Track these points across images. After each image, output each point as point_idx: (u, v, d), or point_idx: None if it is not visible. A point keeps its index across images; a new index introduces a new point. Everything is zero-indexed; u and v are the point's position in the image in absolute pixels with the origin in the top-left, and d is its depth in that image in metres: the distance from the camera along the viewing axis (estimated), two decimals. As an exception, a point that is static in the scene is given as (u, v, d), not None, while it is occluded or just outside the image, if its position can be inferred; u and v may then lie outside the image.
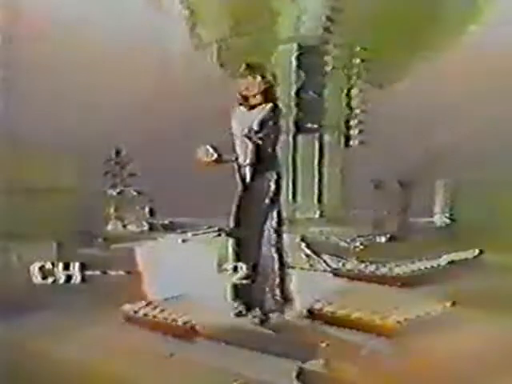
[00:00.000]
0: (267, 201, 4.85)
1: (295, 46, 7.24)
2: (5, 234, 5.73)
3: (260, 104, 4.87)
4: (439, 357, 4.25)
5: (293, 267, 5.12)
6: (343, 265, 5.92)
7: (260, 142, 4.79)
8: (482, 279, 5.53)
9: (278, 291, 4.87)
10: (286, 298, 4.90)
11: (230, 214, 4.98)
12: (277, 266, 4.89)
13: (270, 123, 4.83)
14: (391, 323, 4.66)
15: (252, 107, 4.88)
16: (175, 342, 4.55)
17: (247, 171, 4.85)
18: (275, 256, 4.88)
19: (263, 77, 4.89)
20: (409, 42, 7.03)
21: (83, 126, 6.34)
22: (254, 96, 4.88)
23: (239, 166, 4.88)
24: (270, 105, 4.87)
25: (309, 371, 4.08)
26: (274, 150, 4.90)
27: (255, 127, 4.80)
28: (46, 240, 5.86)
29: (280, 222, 4.93)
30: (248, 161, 4.83)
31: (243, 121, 4.87)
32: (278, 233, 4.90)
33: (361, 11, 7.00)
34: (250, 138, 4.81)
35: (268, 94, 4.89)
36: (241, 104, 4.91)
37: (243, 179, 4.88)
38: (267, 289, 4.86)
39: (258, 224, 4.86)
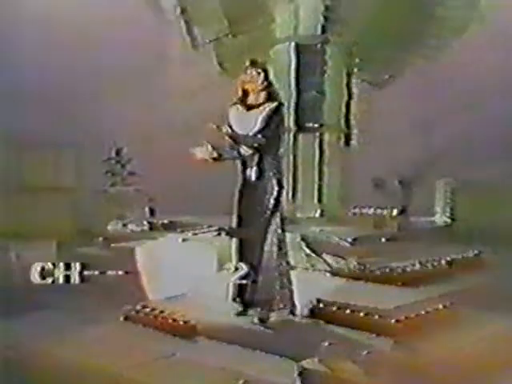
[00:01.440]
0: (272, 201, 4.84)
1: (294, 45, 7.24)
2: (4, 234, 5.73)
3: (262, 104, 4.84)
4: (439, 355, 4.25)
5: (294, 267, 5.12)
6: (343, 264, 5.91)
7: (263, 141, 4.78)
8: (482, 278, 5.53)
9: (283, 291, 4.86)
10: (291, 298, 4.89)
11: (230, 214, 4.97)
12: (281, 266, 4.88)
13: (275, 122, 4.81)
14: (391, 322, 4.66)
15: (250, 107, 4.86)
16: (176, 341, 4.54)
17: (253, 172, 4.83)
18: (279, 256, 4.87)
19: (266, 75, 4.88)
20: (407, 41, 7.03)
21: (83, 126, 6.34)
22: (258, 93, 4.85)
23: (244, 166, 4.87)
24: (274, 104, 4.85)
25: (309, 370, 4.07)
26: (277, 150, 4.88)
27: (259, 125, 4.78)
28: (46, 239, 5.86)
29: (282, 223, 4.92)
30: (253, 162, 4.82)
31: (243, 121, 4.84)
32: (281, 233, 4.89)
33: (359, 10, 7.00)
34: (253, 139, 4.79)
35: (270, 93, 4.88)
36: (236, 103, 4.89)
37: (246, 179, 4.86)
38: (272, 288, 4.85)
39: (262, 225, 4.84)
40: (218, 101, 5.18)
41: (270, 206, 4.83)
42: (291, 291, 4.90)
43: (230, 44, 7.17)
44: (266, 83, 4.84)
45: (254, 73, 4.84)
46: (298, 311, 4.85)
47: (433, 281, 5.53)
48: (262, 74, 4.84)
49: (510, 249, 5.64)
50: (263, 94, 4.84)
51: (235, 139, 4.76)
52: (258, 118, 4.78)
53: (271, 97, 4.86)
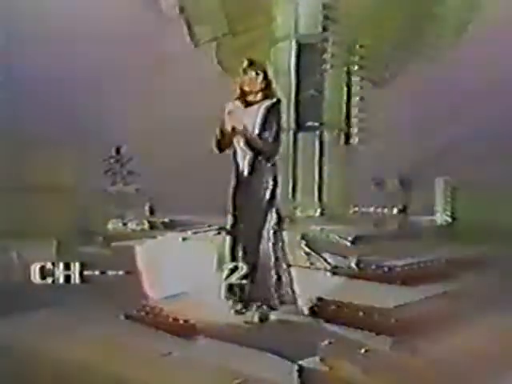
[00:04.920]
0: (267, 197, 4.84)
1: (294, 43, 7.24)
2: (5, 233, 5.73)
3: (260, 101, 4.87)
4: (439, 355, 4.25)
5: (293, 265, 5.11)
6: (343, 263, 5.91)
7: (262, 140, 4.79)
8: (482, 277, 5.53)
9: (280, 289, 4.86)
10: (288, 297, 4.89)
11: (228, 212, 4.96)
12: (278, 264, 4.88)
13: (273, 118, 4.83)
14: (391, 321, 4.66)
15: (248, 104, 4.88)
16: (175, 340, 4.55)
17: (245, 166, 4.84)
18: (275, 255, 4.87)
19: (265, 74, 4.90)
20: (407, 40, 7.03)
21: (83, 125, 6.34)
22: (256, 93, 4.87)
23: (236, 161, 4.88)
24: (273, 100, 4.88)
25: (308, 369, 4.08)
26: (276, 147, 4.89)
27: (259, 121, 4.80)
28: (46, 238, 5.86)
29: (279, 220, 4.91)
30: (247, 160, 4.83)
31: (241, 117, 4.85)
32: (278, 231, 4.88)
33: (359, 9, 7.00)
34: (252, 136, 4.81)
35: (268, 92, 4.90)
36: (237, 98, 4.91)
37: (239, 175, 4.87)
38: (270, 287, 4.84)
39: (258, 222, 4.84)
40: (218, 100, 5.17)
41: (265, 202, 4.83)
42: (292, 288, 4.90)
43: (230, 43, 7.17)
44: (264, 83, 4.87)
45: (254, 74, 4.86)
46: (297, 310, 4.85)
47: (433, 280, 5.53)
48: (261, 75, 4.86)
49: (510, 248, 5.64)
50: (261, 93, 4.87)
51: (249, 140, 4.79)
52: (257, 114, 4.81)
53: (269, 95, 4.89)
